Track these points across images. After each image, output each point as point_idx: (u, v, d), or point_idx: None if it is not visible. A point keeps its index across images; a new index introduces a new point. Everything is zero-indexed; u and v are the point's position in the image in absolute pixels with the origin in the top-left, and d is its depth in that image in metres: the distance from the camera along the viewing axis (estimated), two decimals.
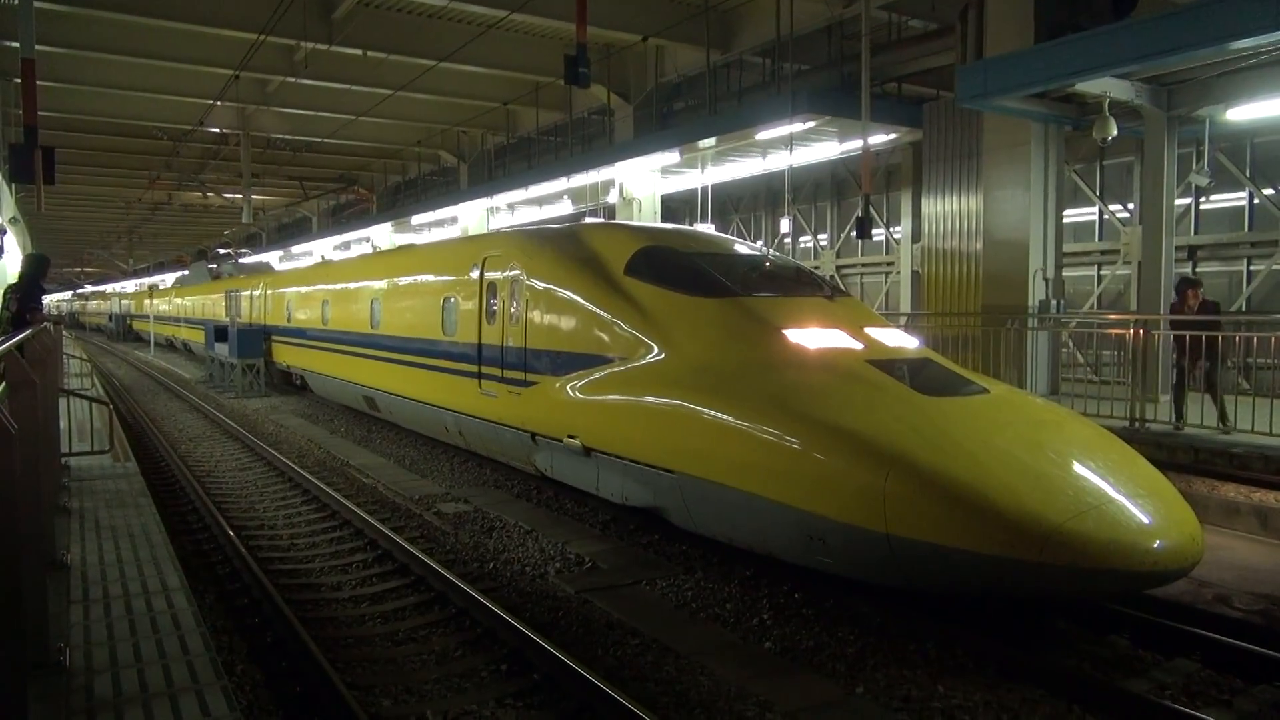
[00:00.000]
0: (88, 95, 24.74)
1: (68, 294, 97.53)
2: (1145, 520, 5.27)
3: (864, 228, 16.07)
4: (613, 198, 21.12)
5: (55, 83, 22.43)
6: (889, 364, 7.06)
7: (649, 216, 20.54)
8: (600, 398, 8.25)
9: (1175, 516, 5.43)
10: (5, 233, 17.45)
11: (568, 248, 9.62)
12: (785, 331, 7.46)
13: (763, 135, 15.99)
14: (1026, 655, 5.42)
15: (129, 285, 67.05)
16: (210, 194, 36.57)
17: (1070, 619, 6.13)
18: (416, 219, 29.17)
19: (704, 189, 20.30)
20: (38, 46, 11.19)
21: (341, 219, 41.34)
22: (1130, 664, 5.50)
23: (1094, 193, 16.44)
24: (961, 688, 5.09)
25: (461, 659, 5.69)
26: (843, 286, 18.97)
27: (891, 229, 20.62)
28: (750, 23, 19.59)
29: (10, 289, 10.03)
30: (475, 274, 10.90)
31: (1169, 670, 5.39)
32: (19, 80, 11.21)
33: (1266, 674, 5.21)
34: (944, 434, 5.90)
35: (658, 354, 7.88)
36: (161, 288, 46.49)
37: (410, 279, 13.36)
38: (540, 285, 9.58)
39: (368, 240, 34.32)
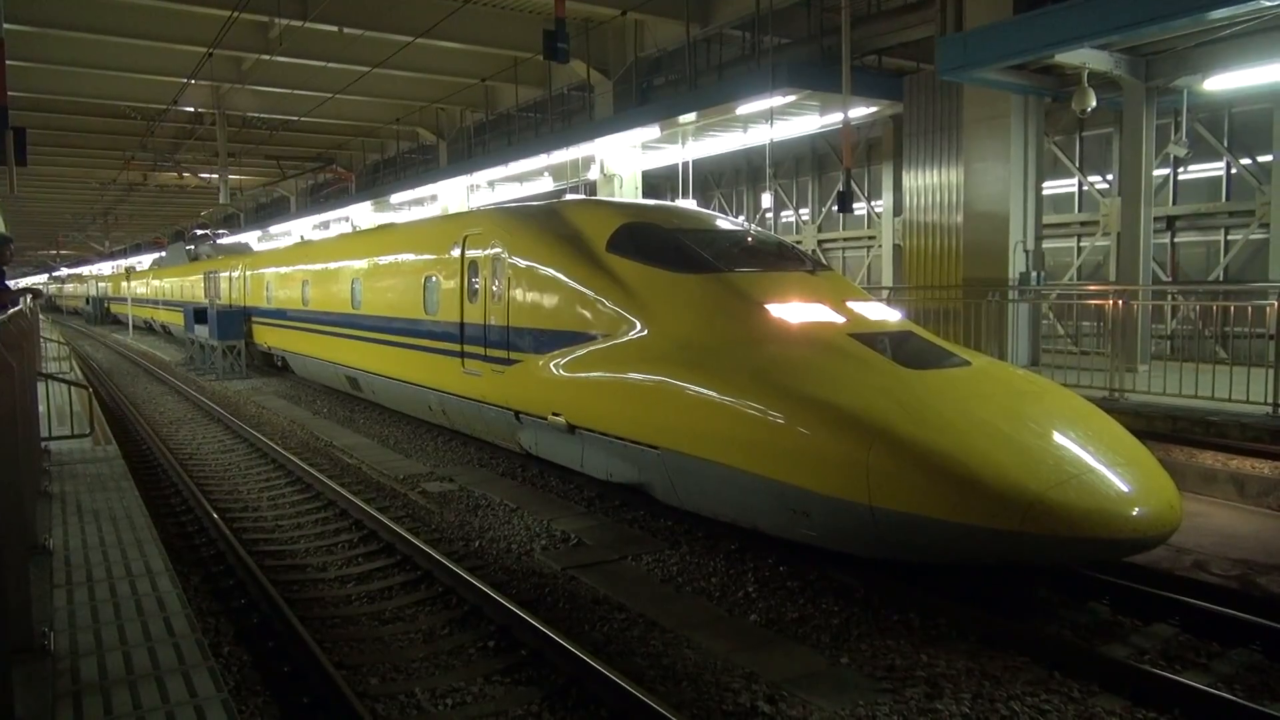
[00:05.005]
0: (59, 74, 24.32)
1: (43, 277, 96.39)
2: (1125, 488, 5.33)
3: (845, 202, 16.07)
4: (593, 174, 21.00)
5: (25, 62, 22.04)
6: (871, 337, 7.09)
7: (630, 192, 20.44)
8: (584, 375, 8.25)
9: (1154, 484, 5.50)
10: None
11: (549, 225, 9.57)
12: (768, 306, 7.47)
13: (743, 110, 15.91)
14: (1008, 623, 5.49)
15: (106, 267, 66.31)
16: (186, 174, 36.13)
17: (1051, 586, 6.21)
18: (396, 197, 28.92)
19: (685, 164, 20.23)
20: (7, 25, 10.99)
21: (320, 198, 40.94)
22: (1110, 630, 5.59)
23: (1073, 164, 16.49)
24: (944, 656, 5.16)
25: (449, 637, 5.71)
26: (824, 261, 19.00)
27: (873, 203, 20.63)
28: None
29: None
30: (456, 252, 10.84)
31: (1148, 635, 5.49)
32: None
33: (1243, 637, 5.30)
34: (926, 406, 5.94)
35: (641, 330, 7.88)
36: (139, 270, 46.01)
37: (391, 258, 13.27)
38: (522, 263, 9.54)
39: (347, 220, 34.03)
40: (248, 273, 21.83)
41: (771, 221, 23.19)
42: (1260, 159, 13.98)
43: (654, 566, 6.84)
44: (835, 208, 18.39)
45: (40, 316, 20.69)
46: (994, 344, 12.00)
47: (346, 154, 39.31)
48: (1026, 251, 13.47)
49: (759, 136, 18.04)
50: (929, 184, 15.22)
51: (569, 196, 19.17)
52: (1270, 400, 8.92)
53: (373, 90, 26.11)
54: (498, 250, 9.98)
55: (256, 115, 29.78)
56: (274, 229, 40.36)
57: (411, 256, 12.49)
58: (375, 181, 37.11)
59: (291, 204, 45.58)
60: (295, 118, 29.22)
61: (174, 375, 20.91)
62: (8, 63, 10.65)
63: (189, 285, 28.64)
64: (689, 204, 18.94)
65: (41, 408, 9.53)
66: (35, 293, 16.42)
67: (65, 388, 11.46)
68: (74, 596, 4.75)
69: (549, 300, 9.07)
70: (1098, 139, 16.15)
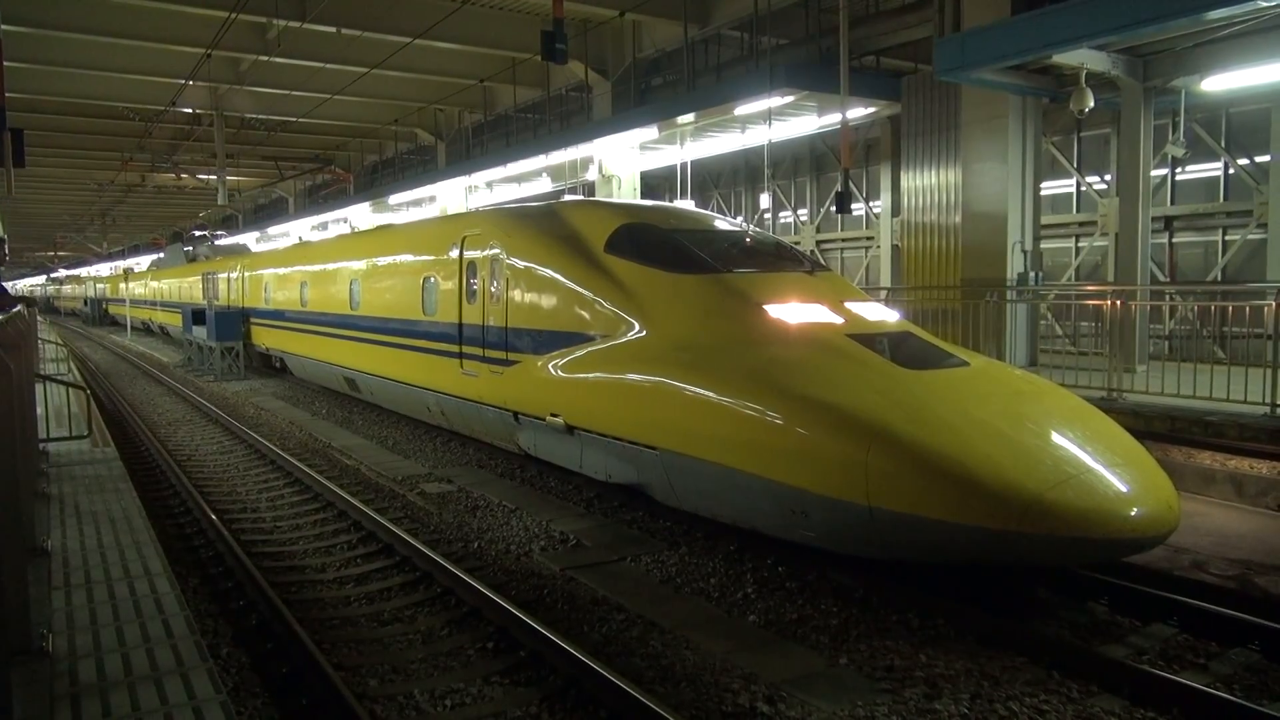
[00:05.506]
0: (56, 76, 24.30)
1: (40, 278, 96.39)
2: (1123, 489, 5.33)
3: (843, 202, 16.05)
4: (592, 175, 21.01)
5: (23, 63, 22.03)
6: (870, 338, 7.10)
7: (628, 193, 20.45)
8: (582, 376, 8.25)
9: (1152, 484, 5.50)
10: None
11: (547, 226, 9.57)
12: (766, 307, 7.47)
13: (741, 110, 15.92)
14: (1007, 623, 5.49)
15: (104, 269, 66.29)
16: (184, 175, 36.09)
17: (1050, 586, 6.21)
18: (394, 198, 28.93)
19: (683, 165, 20.23)
20: (3, 26, 10.97)
21: (319, 199, 40.93)
22: (1109, 630, 5.59)
23: (1071, 165, 16.50)
24: (943, 657, 5.16)
25: (448, 638, 5.70)
26: (823, 261, 19.00)
27: (871, 203, 20.64)
28: None
29: None
30: (455, 253, 10.84)
31: (1147, 635, 5.49)
32: None
33: (1242, 637, 5.30)
34: (925, 407, 5.94)
35: (639, 331, 7.88)
36: (137, 271, 45.98)
37: (389, 259, 13.27)
38: (520, 264, 9.54)
39: (345, 220, 34.03)
40: (246, 274, 21.82)
41: (770, 222, 23.19)
42: (1258, 159, 13.99)
43: (653, 567, 6.84)
44: (834, 208, 18.41)
45: (38, 318, 20.68)
46: (992, 344, 12.01)
47: (345, 155, 39.30)
48: (1024, 252, 13.48)
49: (757, 137, 18.05)
50: (927, 184, 15.23)
51: (567, 197, 19.18)
52: (1268, 400, 8.94)
53: (371, 91, 26.11)
54: (496, 251, 9.98)
55: (254, 116, 29.77)
56: (272, 230, 40.37)
57: (410, 257, 12.49)
58: (373, 182, 37.13)
59: (290, 205, 45.59)
60: (293, 119, 29.23)
61: (172, 376, 20.89)
62: (5, 64, 10.62)
63: (187, 286, 28.62)
64: (687, 204, 18.94)
65: (39, 409, 9.53)
66: (29, 301, 16.52)
67: (63, 389, 11.46)
68: (72, 598, 4.75)
69: (547, 301, 9.07)
70: (1096, 139, 16.16)
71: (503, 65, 23.67)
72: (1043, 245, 14.36)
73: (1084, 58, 11.68)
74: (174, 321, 29.32)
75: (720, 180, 24.81)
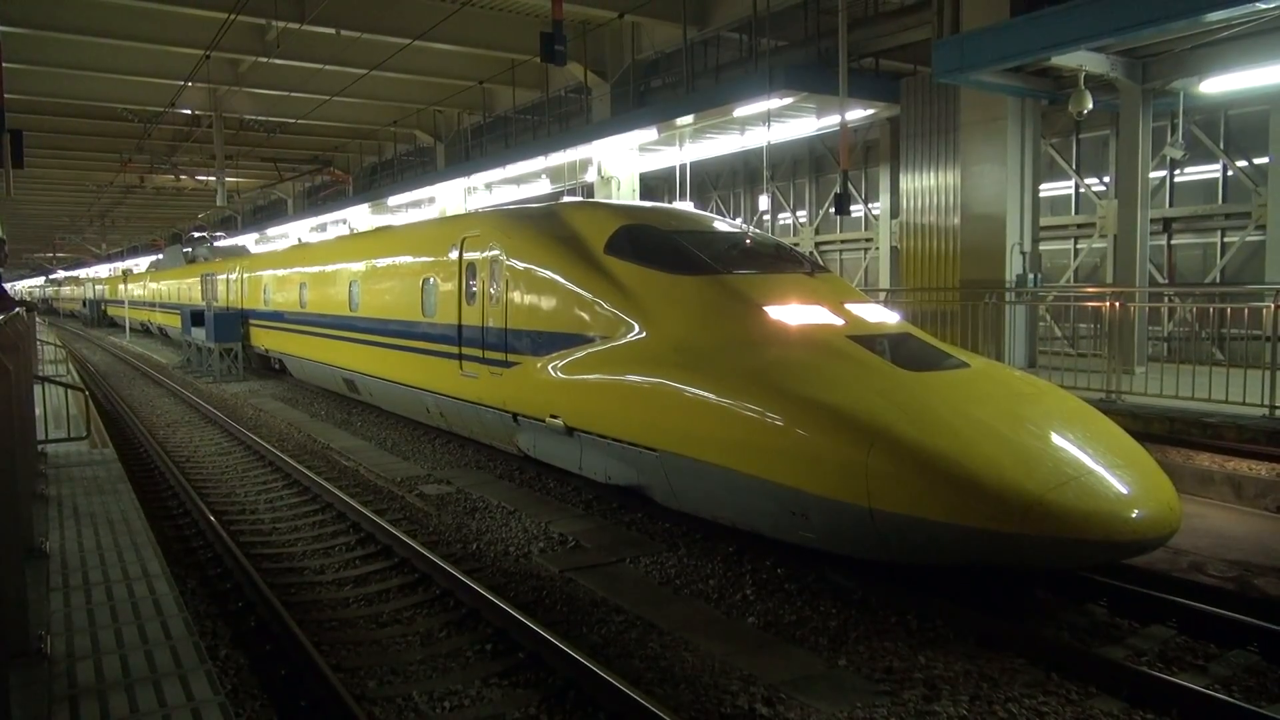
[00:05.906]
0: (55, 77, 24.33)
1: (39, 279, 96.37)
2: (1123, 490, 5.33)
3: (842, 204, 16.06)
4: (591, 176, 21.01)
5: (22, 64, 22.03)
6: (870, 339, 7.10)
7: (628, 195, 20.45)
8: (582, 377, 8.25)
9: (1153, 486, 5.50)
10: None
11: (547, 227, 9.57)
12: (766, 308, 7.48)
13: (740, 112, 15.91)
14: (1006, 625, 5.49)
15: (102, 270, 66.26)
16: (183, 177, 36.09)
17: (1049, 588, 6.21)
18: (393, 200, 28.92)
19: (682, 166, 20.22)
20: (3, 28, 10.96)
21: (318, 200, 40.92)
22: (1108, 631, 5.59)
23: (1070, 166, 16.51)
24: (942, 658, 5.16)
25: (446, 640, 5.70)
26: (822, 263, 19.00)
27: (870, 205, 20.63)
28: None
29: None
30: (454, 254, 10.84)
31: (1145, 637, 5.49)
32: None
33: (1240, 639, 5.30)
34: (925, 408, 5.94)
35: (639, 332, 7.87)
36: (136, 272, 45.96)
37: (389, 260, 13.27)
38: (520, 265, 9.54)
39: (344, 222, 34.03)
40: (245, 275, 21.81)
41: (769, 223, 23.19)
42: (1256, 161, 14.00)
43: (652, 569, 6.83)
44: (833, 210, 18.40)
45: (37, 320, 20.69)
46: (991, 346, 12.01)
47: (344, 156, 39.30)
48: (1023, 253, 13.49)
49: (756, 139, 18.04)
50: (926, 186, 15.24)
51: (566, 199, 19.18)
52: (1267, 402, 8.94)
53: (370, 93, 26.13)
54: (495, 252, 9.97)
55: (254, 117, 29.78)
56: (271, 231, 40.35)
57: (409, 259, 12.49)
58: (372, 184, 37.12)
59: (289, 206, 45.58)
60: (293, 120, 29.23)
61: (171, 378, 20.88)
62: (5, 65, 10.62)
63: (186, 288, 28.61)
64: (686, 206, 18.93)
65: (38, 410, 9.52)
66: (29, 305, 16.64)
67: (62, 390, 11.44)
68: (71, 600, 4.74)
69: (547, 302, 9.07)
70: (1094, 141, 16.17)
71: (502, 67, 23.68)
72: (1041, 247, 14.36)
73: (1083, 59, 11.69)
74: (173, 323, 29.31)
75: (719, 182, 24.81)
